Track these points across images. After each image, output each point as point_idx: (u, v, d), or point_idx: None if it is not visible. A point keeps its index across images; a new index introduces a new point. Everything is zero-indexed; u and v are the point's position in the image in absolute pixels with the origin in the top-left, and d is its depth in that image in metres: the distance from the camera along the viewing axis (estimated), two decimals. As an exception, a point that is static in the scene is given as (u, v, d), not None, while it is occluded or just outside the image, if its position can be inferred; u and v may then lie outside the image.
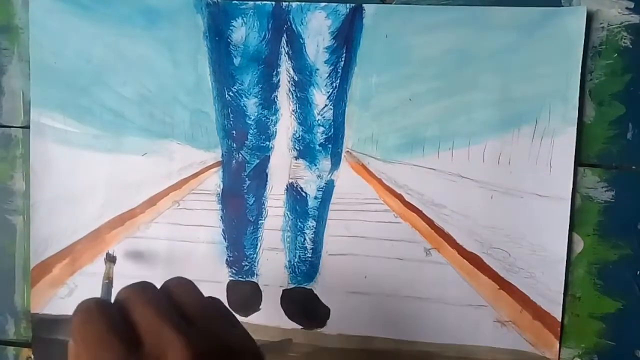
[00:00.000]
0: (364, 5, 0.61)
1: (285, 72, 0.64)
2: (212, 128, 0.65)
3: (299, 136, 0.64)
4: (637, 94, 0.60)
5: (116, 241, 0.67)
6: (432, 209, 0.63)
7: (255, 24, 0.63)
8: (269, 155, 0.65)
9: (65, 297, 0.68)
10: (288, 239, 0.66)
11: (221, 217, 0.66)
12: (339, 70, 0.63)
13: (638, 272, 0.61)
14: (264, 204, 0.66)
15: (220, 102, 0.65)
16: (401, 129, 0.62)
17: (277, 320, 0.66)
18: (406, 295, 0.64)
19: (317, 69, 0.63)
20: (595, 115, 0.60)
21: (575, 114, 0.60)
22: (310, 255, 0.65)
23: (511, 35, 0.60)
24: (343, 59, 0.63)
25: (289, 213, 0.65)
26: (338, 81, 0.63)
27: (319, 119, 0.64)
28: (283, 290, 0.66)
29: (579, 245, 0.61)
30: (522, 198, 0.61)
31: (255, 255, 0.66)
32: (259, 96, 0.64)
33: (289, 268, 0.66)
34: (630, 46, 0.59)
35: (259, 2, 0.63)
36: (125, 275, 0.67)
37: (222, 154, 0.66)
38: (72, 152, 0.67)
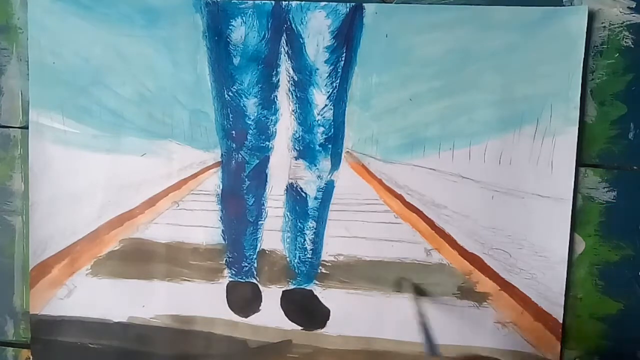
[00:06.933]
0: (364, 4, 0.61)
1: (285, 71, 0.63)
2: (212, 128, 0.65)
3: (299, 136, 0.64)
4: (639, 93, 0.59)
5: (115, 242, 0.67)
6: (432, 209, 0.62)
7: (255, 24, 0.63)
8: (269, 156, 0.65)
9: (64, 298, 0.68)
10: (288, 240, 0.65)
11: (221, 217, 0.66)
12: (339, 70, 0.63)
13: (639, 273, 0.61)
14: (263, 205, 0.65)
15: (220, 102, 0.65)
16: (402, 129, 0.62)
17: (277, 321, 0.66)
18: (406, 295, 0.64)
19: (317, 69, 0.63)
20: (597, 115, 0.60)
21: (576, 113, 0.59)
22: (310, 256, 0.65)
23: (512, 34, 0.59)
24: (343, 58, 0.62)
25: (288, 214, 0.65)
26: (338, 81, 0.63)
27: (319, 119, 0.64)
28: (283, 291, 0.66)
29: (580, 246, 0.61)
30: (523, 198, 0.61)
31: (255, 256, 0.66)
32: (259, 96, 0.64)
33: (289, 269, 0.66)
34: (632, 46, 0.59)
35: (258, 2, 0.63)
36: (125, 274, 0.67)
37: (222, 154, 0.65)
38: (71, 153, 0.67)
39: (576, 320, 0.62)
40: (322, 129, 0.64)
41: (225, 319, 0.67)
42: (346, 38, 0.62)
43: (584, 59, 0.59)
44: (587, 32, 0.58)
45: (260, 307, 0.66)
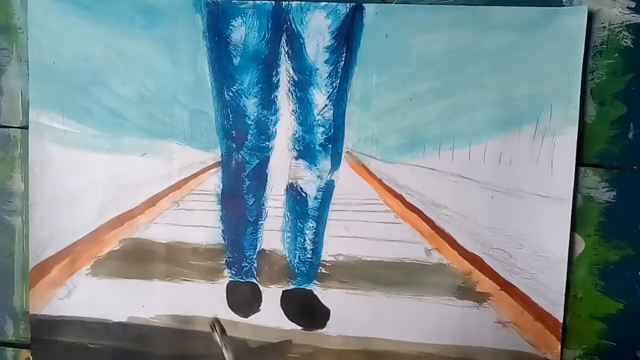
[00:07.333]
0: (364, 4, 0.61)
1: (285, 72, 0.63)
2: (212, 128, 0.65)
3: (299, 136, 0.64)
4: (639, 93, 0.59)
5: (115, 242, 0.67)
6: (432, 209, 0.62)
7: (255, 24, 0.63)
8: (269, 156, 0.65)
9: (64, 298, 0.68)
10: (288, 240, 0.65)
11: (221, 217, 0.66)
12: (339, 70, 0.63)
13: (639, 273, 0.61)
14: (263, 205, 0.65)
15: (220, 102, 0.65)
16: (402, 129, 0.62)
17: (277, 321, 0.66)
18: (406, 295, 0.64)
19: (317, 69, 0.63)
20: (597, 115, 0.60)
21: (576, 113, 0.59)
22: (310, 256, 0.65)
23: (512, 34, 0.59)
24: (343, 58, 0.62)
25: (288, 214, 0.65)
26: (338, 81, 0.63)
27: (319, 119, 0.64)
28: (283, 291, 0.66)
29: (580, 246, 0.61)
30: (523, 198, 0.61)
31: (255, 256, 0.66)
32: (259, 96, 0.64)
33: (289, 269, 0.66)
34: (632, 46, 0.59)
35: (258, 2, 0.63)
36: (125, 274, 0.67)
37: (222, 154, 0.65)
38: (71, 153, 0.67)
39: (576, 320, 0.62)
40: (322, 129, 0.64)
41: (225, 319, 0.67)
42: (346, 38, 0.62)
43: (584, 59, 0.59)
44: (586, 32, 0.58)
45: (260, 307, 0.66)
